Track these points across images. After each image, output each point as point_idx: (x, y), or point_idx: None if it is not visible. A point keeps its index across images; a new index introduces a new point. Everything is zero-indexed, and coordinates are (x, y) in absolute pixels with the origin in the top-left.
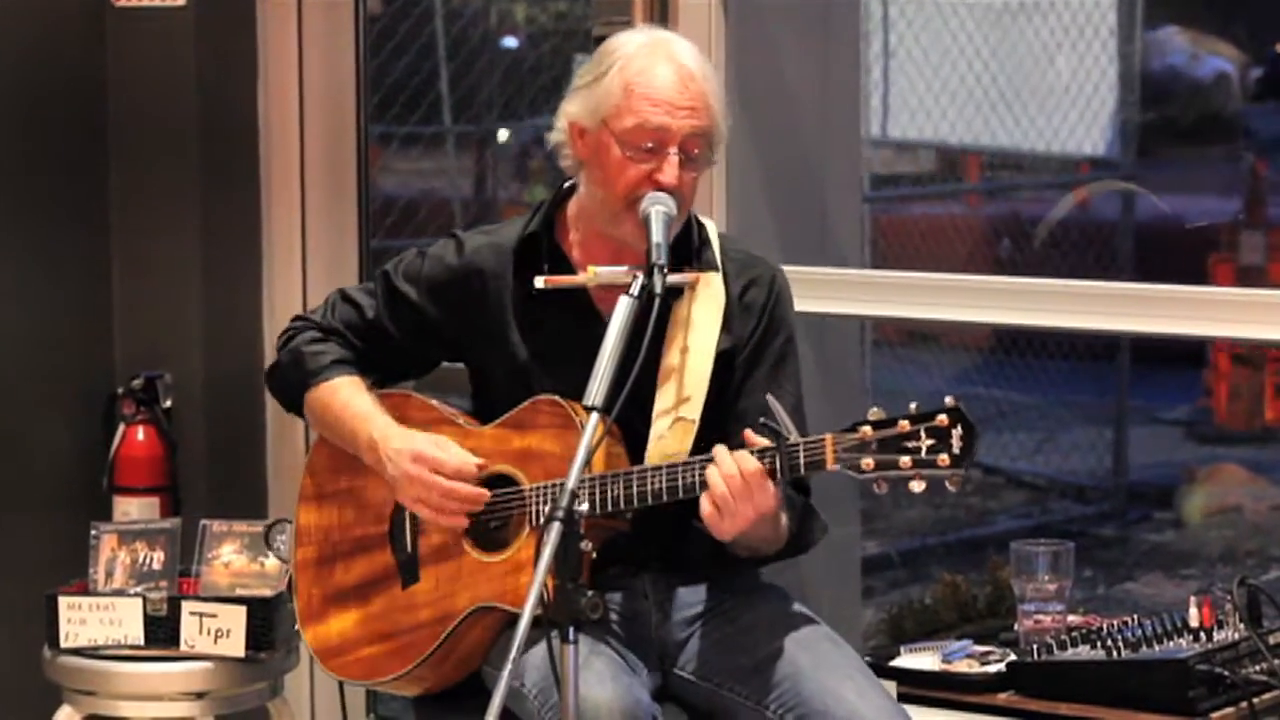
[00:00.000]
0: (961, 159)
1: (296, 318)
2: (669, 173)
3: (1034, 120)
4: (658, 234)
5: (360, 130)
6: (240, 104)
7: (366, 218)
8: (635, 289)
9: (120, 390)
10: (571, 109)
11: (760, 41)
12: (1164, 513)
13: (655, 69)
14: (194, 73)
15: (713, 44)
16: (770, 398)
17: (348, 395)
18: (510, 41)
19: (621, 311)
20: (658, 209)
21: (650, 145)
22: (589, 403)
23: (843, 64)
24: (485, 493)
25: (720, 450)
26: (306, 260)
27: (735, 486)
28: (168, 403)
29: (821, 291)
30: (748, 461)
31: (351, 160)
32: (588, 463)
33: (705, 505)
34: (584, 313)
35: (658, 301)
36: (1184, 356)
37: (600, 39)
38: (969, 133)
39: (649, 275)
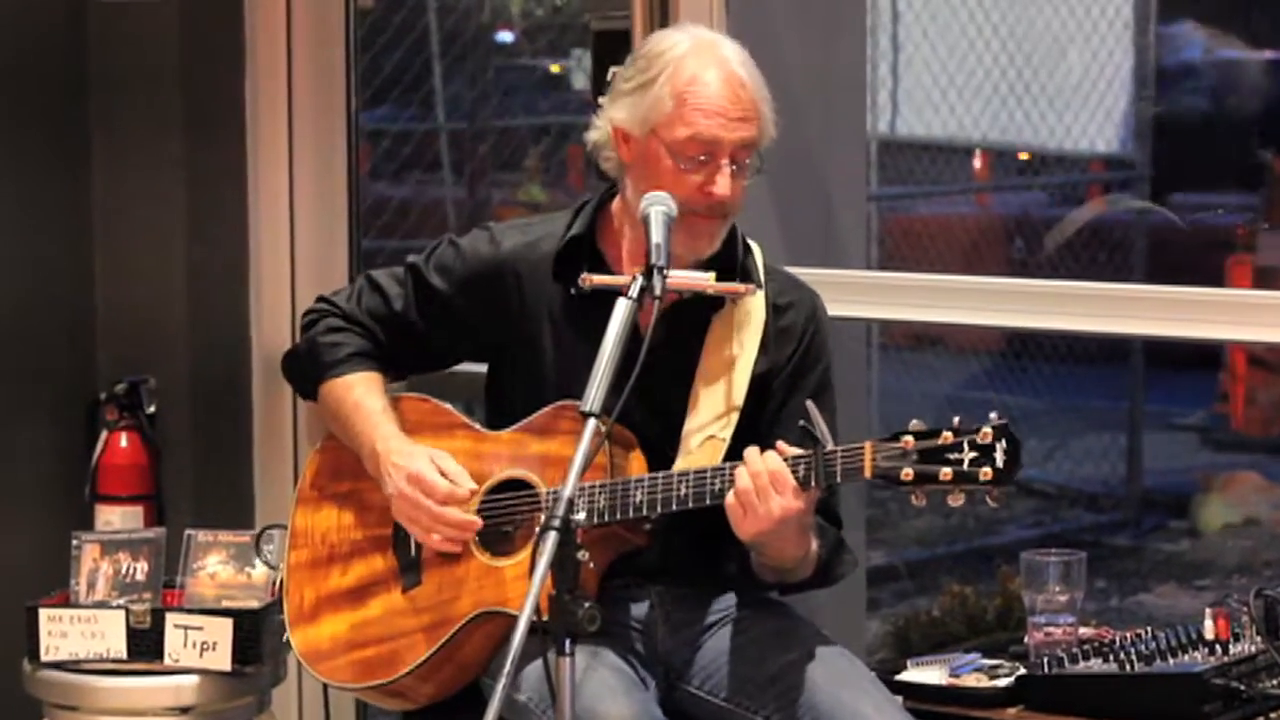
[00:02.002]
0: (971, 157)
1: (321, 299)
2: (722, 184)
3: (1045, 117)
4: (657, 234)
5: (350, 127)
6: (227, 100)
7: (357, 218)
8: (633, 291)
9: (103, 396)
10: (617, 114)
11: (761, 35)
12: (1179, 522)
13: (707, 77)
14: (179, 67)
15: None
16: (809, 403)
17: (359, 395)
18: (505, 36)
19: (619, 314)
20: (657, 209)
21: (703, 157)
22: (585, 409)
23: (847, 58)
24: (476, 521)
25: (751, 450)
26: (295, 262)
27: (760, 483)
28: (152, 408)
29: (825, 293)
30: (774, 460)
31: (342, 159)
32: (585, 471)
33: (729, 499)
34: None
35: (657, 305)
36: (1199, 360)
37: (598, 33)
38: (978, 130)
39: (648, 277)
